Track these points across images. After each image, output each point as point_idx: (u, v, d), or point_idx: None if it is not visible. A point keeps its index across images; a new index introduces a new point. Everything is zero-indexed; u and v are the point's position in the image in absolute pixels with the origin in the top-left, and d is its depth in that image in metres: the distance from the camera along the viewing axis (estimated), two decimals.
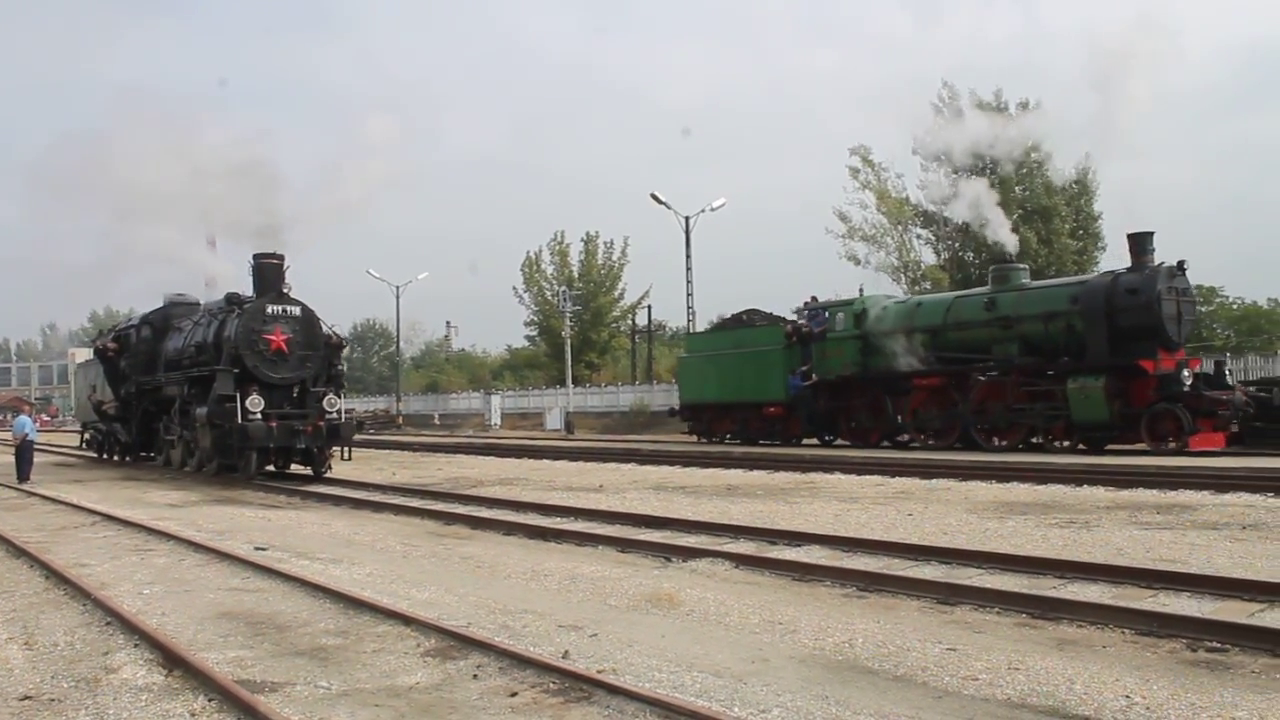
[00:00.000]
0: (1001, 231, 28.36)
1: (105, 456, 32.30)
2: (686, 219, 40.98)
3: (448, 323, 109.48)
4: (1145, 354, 21.44)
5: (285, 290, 22.31)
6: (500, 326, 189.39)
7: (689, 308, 41.83)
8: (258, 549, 11.49)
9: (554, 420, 51.10)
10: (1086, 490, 15.20)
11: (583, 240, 60.79)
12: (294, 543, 12.20)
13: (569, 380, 50.70)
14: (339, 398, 22.37)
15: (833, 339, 27.30)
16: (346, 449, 21.96)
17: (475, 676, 6.02)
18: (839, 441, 28.61)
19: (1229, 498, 13.73)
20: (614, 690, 5.53)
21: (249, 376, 21.23)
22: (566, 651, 6.49)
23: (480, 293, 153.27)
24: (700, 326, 44.11)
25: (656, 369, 60.21)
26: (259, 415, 20.63)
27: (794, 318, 31.76)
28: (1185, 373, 21.19)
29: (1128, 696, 5.39)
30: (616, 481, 19.70)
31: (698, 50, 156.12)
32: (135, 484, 21.83)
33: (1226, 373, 23.04)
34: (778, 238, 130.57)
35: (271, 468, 22.35)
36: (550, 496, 16.72)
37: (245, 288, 23.09)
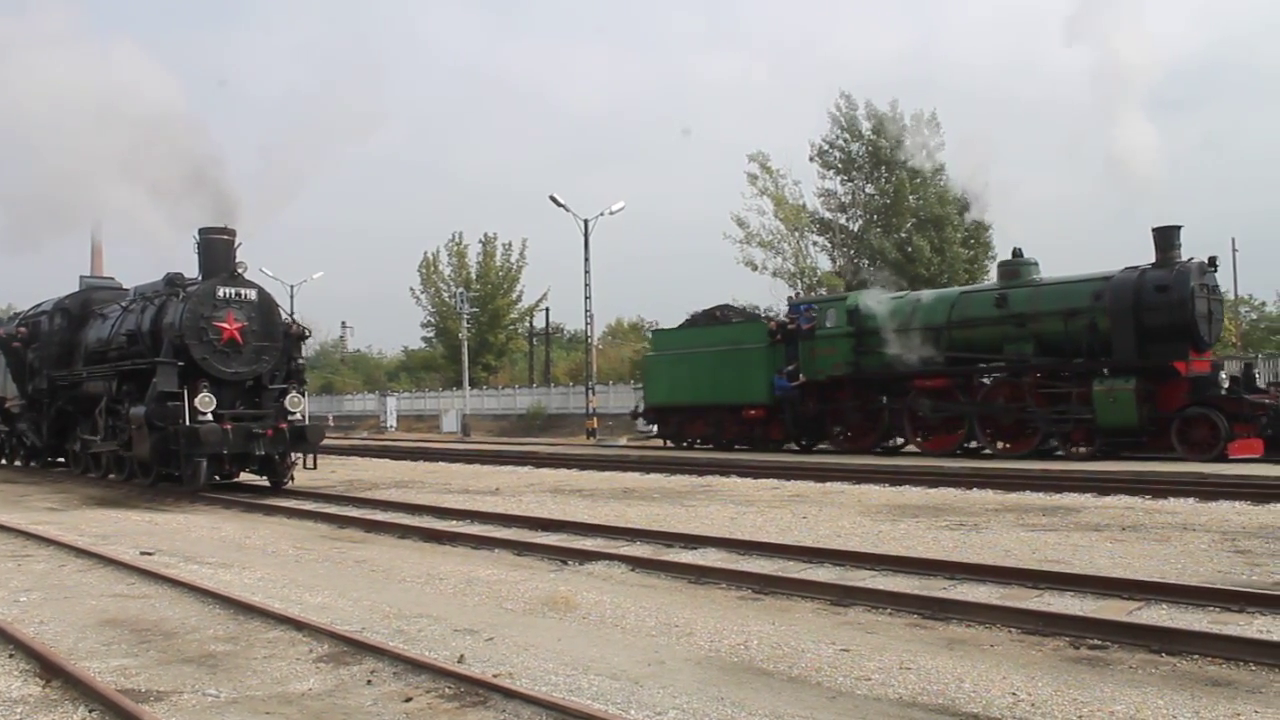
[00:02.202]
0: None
1: (2, 462, 28.48)
2: (585, 222, 40.97)
3: (343, 323, 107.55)
4: (1176, 355, 20.21)
5: (239, 270, 18.90)
6: (396, 328, 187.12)
7: (587, 310, 41.84)
8: (144, 554, 11.18)
9: (450, 423, 50.71)
10: (976, 493, 15.55)
11: (481, 242, 60.57)
12: (182, 547, 11.90)
13: (466, 382, 50.34)
14: (302, 396, 19.31)
15: (823, 336, 25.35)
16: (312, 456, 19.02)
17: (369, 682, 5.93)
18: (821, 446, 26.79)
19: (1110, 500, 14.18)
20: (510, 694, 5.49)
21: (196, 371, 17.99)
22: (462, 656, 6.43)
23: (376, 293, 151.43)
24: (598, 330, 44.09)
25: (554, 372, 60.16)
26: (209, 416, 17.55)
27: (762, 314, 30.50)
28: (1222, 375, 20.19)
29: (1014, 693, 5.52)
30: (513, 484, 19.61)
31: (599, 54, 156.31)
32: (13, 486, 21.06)
33: (1255, 375, 21.95)
34: (676, 242, 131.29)
35: (217, 477, 18.99)
36: (446, 499, 16.58)
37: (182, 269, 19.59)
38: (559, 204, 40.48)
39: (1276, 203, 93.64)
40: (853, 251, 47.79)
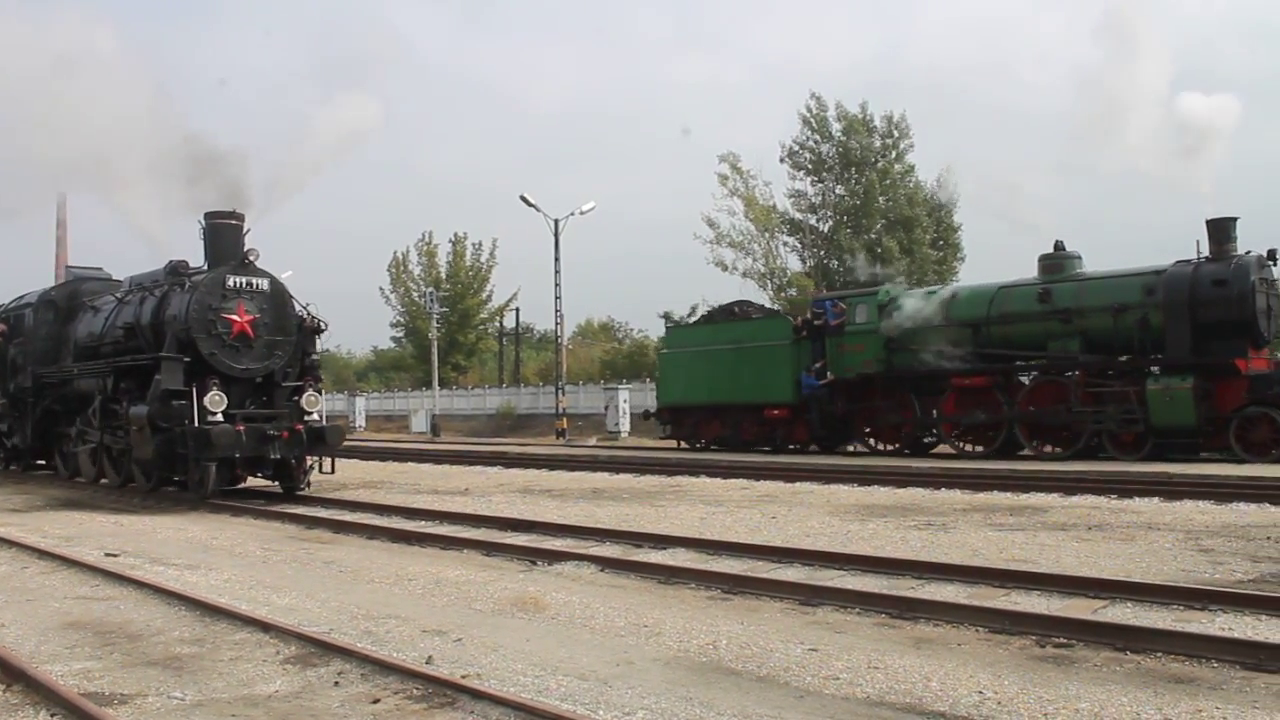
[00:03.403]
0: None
1: None
2: (556, 222, 40.93)
3: None
4: (1235, 352, 19.36)
5: (250, 258, 17.39)
6: (366, 327, 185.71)
7: (557, 310, 41.79)
8: (108, 555, 11.08)
9: (420, 423, 50.53)
10: (944, 493, 15.63)
11: (451, 241, 60.42)
12: (148, 548, 11.80)
13: (435, 382, 50.16)
14: (319, 395, 17.96)
15: (852, 333, 24.04)
16: (330, 460, 17.61)
17: (336, 684, 5.90)
18: (846, 448, 25.73)
19: (1077, 500, 14.29)
20: (478, 695, 5.48)
21: (204, 367, 16.57)
22: (430, 657, 6.41)
23: (345, 292, 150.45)
24: (568, 331, 44.04)
25: (524, 372, 60.09)
26: (220, 416, 16.19)
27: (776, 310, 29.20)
28: None
29: (981, 692, 5.56)
30: (483, 485, 19.56)
31: (568, 54, 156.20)
32: None
33: None
34: (647, 242, 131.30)
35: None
36: (415, 500, 16.52)
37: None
38: (529, 204, 40.42)
39: None
40: (823, 252, 48.01)
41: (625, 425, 40.22)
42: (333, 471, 17.50)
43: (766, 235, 47.83)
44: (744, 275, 47.69)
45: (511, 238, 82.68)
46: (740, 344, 26.63)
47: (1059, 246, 22.13)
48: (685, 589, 8.75)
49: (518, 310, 62.94)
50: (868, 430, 24.69)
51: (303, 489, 17.23)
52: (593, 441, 37.06)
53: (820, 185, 48.18)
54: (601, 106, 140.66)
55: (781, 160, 48.52)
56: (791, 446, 25.80)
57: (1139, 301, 20.28)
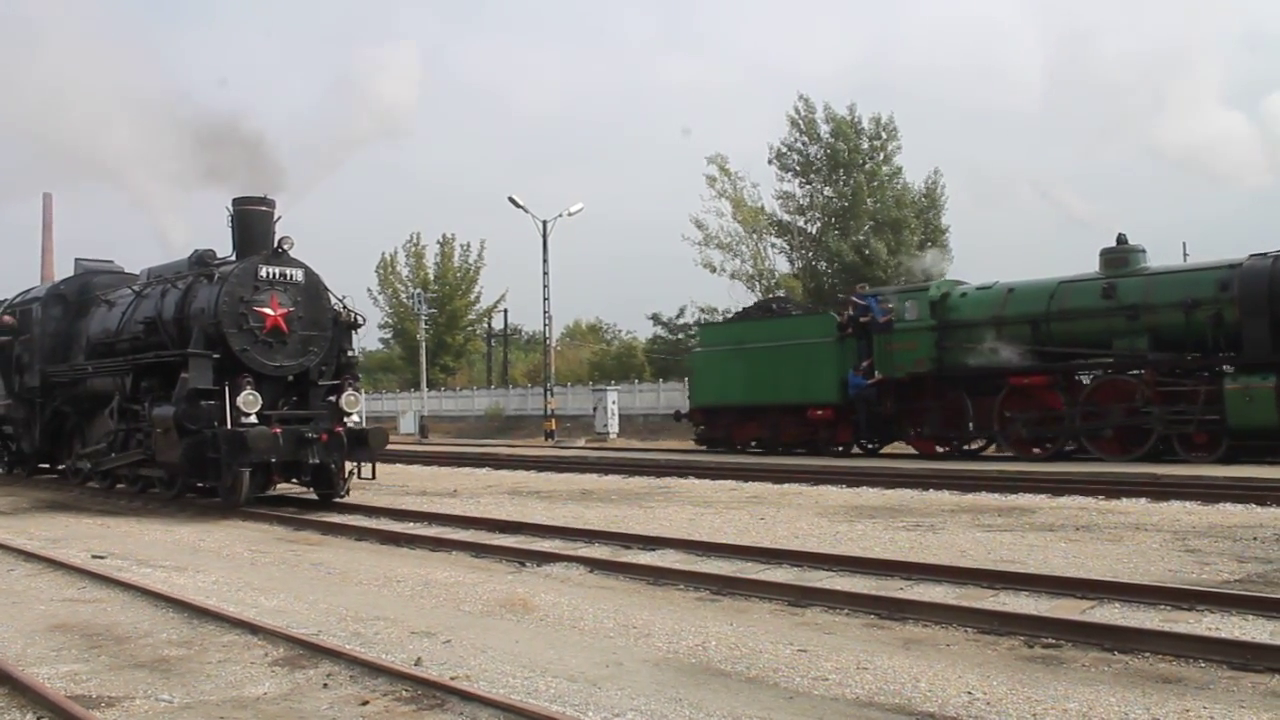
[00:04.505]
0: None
1: None
2: (544, 223, 40.90)
3: None
4: None
5: (283, 247, 16.17)
6: None
7: (545, 312, 41.80)
8: (95, 557, 11.04)
9: (408, 424, 50.42)
10: (932, 494, 15.66)
11: (439, 242, 60.38)
12: (135, 550, 11.76)
13: (424, 384, 50.11)
14: (359, 395, 16.90)
15: (901, 330, 22.82)
16: (370, 464, 16.38)
17: (325, 685, 5.89)
18: (889, 450, 24.49)
19: (1064, 500, 14.33)
20: (467, 697, 5.47)
21: (234, 364, 15.42)
22: (419, 659, 6.40)
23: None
24: (556, 332, 44.05)
25: (513, 373, 60.09)
26: (254, 418, 15.14)
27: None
28: None
29: (969, 692, 5.57)
30: (471, 486, 19.54)
31: (555, 56, 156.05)
32: None
33: None
34: (635, 244, 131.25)
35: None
36: (403, 501, 16.49)
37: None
38: (518, 205, 40.39)
39: None
40: (811, 254, 48.10)
41: (614, 427, 40.24)
42: (373, 477, 16.36)
43: (754, 237, 47.92)
44: (732, 277, 47.78)
45: (500, 239, 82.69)
46: (781, 342, 25.34)
47: (1121, 240, 21.12)
48: (674, 590, 8.75)
49: (506, 311, 62.92)
50: (915, 431, 23.43)
51: (342, 496, 16.17)
52: (581, 443, 37.04)
53: (808, 187, 48.27)
54: (589, 108, 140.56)
55: (769, 162, 48.63)
56: (836, 449, 24.61)
57: (1213, 297, 19.22)
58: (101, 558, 11.03)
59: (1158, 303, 19.84)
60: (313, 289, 16.49)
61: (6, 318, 21.95)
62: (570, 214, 41.67)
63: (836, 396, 23.82)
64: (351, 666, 6.19)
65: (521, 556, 10.56)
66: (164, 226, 19.20)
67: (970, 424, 22.19)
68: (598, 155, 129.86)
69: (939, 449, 23.14)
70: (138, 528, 14.06)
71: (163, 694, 5.82)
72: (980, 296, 22.44)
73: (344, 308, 17.24)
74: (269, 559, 11.02)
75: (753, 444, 26.21)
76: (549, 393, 41.94)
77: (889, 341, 23.04)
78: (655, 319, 61.88)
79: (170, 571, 10.19)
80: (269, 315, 15.75)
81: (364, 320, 17.62)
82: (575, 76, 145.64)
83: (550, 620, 7.63)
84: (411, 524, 13.55)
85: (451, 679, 5.84)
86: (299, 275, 16.23)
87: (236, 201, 16.44)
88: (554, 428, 40.21)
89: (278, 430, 15.04)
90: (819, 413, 24.29)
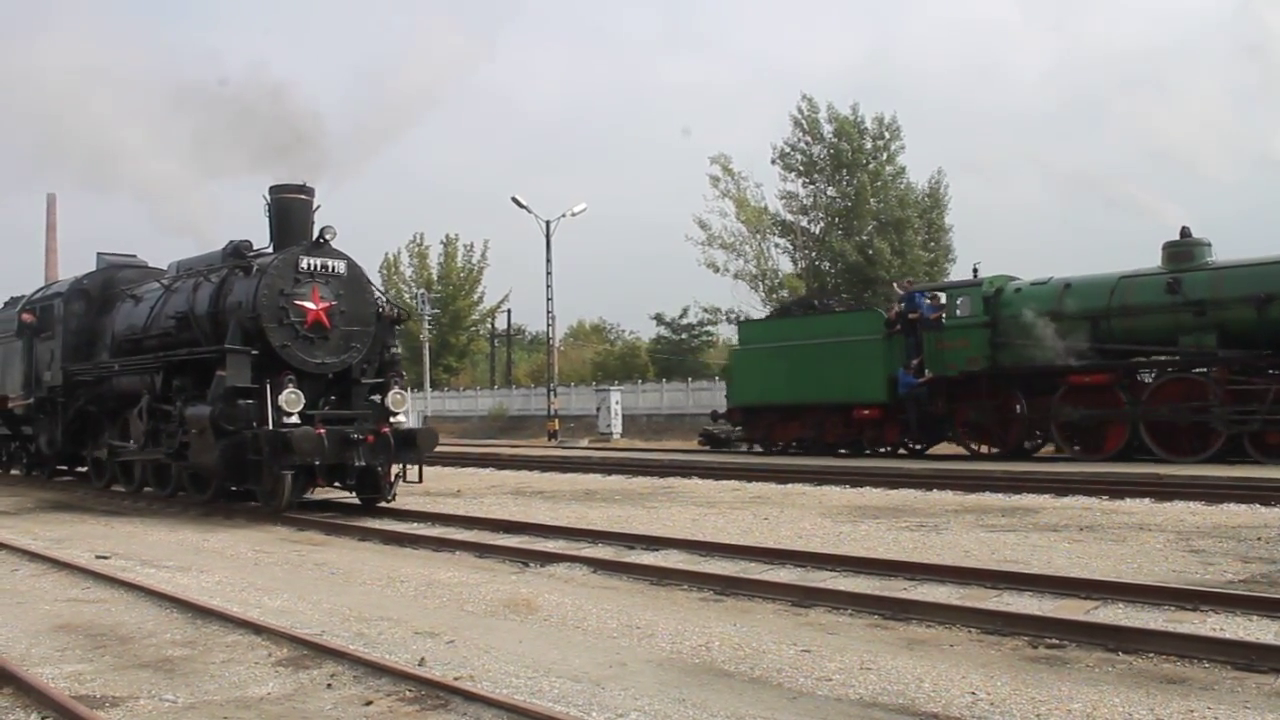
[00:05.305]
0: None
1: None
2: (547, 223, 40.94)
3: None
4: None
5: (325, 237, 15.34)
6: None
7: (549, 312, 41.84)
8: (99, 557, 11.04)
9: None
10: (936, 494, 15.64)
11: (442, 243, 60.47)
12: (139, 550, 11.76)
13: (427, 384, 50.13)
14: (405, 394, 16.03)
15: (953, 327, 22.07)
16: (419, 467, 15.52)
17: (329, 686, 5.89)
18: (935, 451, 23.77)
19: (1068, 501, 14.32)
20: (470, 697, 5.47)
21: (274, 361, 14.65)
22: (423, 659, 6.40)
23: None
24: (560, 332, 44.11)
25: (516, 373, 60.12)
26: (297, 417, 14.31)
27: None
28: None
29: (973, 693, 5.56)
30: (474, 486, 19.56)
31: (559, 56, 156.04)
32: None
33: None
34: (638, 244, 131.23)
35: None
36: (407, 501, 16.43)
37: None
38: (521, 205, 40.43)
39: None
40: (814, 254, 48.12)
41: (617, 427, 40.26)
42: (420, 480, 15.57)
43: (758, 237, 48.00)
44: (735, 277, 47.90)
45: (503, 239, 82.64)
46: (826, 339, 24.44)
47: (1185, 233, 20.31)
48: (678, 590, 8.74)
49: (509, 312, 63.00)
50: (965, 431, 22.74)
51: (389, 500, 15.29)
52: (584, 443, 37.04)
53: (811, 187, 48.34)
54: (592, 108, 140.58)
55: (773, 162, 48.73)
56: (882, 449, 24.10)
57: None
58: (106, 558, 11.04)
59: (1227, 298, 19.07)
60: (355, 281, 15.76)
61: (25, 315, 21.25)
62: (574, 214, 41.71)
63: (884, 395, 23.08)
64: (355, 667, 6.19)
65: (525, 557, 10.56)
66: (194, 218, 18.52)
67: (1025, 423, 21.59)
68: (601, 155, 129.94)
69: (991, 449, 22.45)
70: (141, 528, 14.06)
71: (167, 694, 5.83)
72: (1035, 292, 21.61)
73: (387, 301, 16.66)
74: (273, 559, 11.02)
75: (793, 445, 25.51)
76: (552, 393, 41.95)
77: (940, 339, 22.28)
78: (658, 319, 61.97)
79: (174, 571, 10.20)
80: (310, 309, 14.99)
81: (408, 316, 16.75)
82: (578, 76, 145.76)
83: (554, 620, 7.63)
84: (415, 524, 13.55)
85: (455, 679, 5.84)
86: (341, 267, 15.46)
87: (273, 189, 15.70)
88: (557, 428, 40.24)
89: (322, 431, 14.23)
90: (865, 412, 23.61)
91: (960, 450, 23.14)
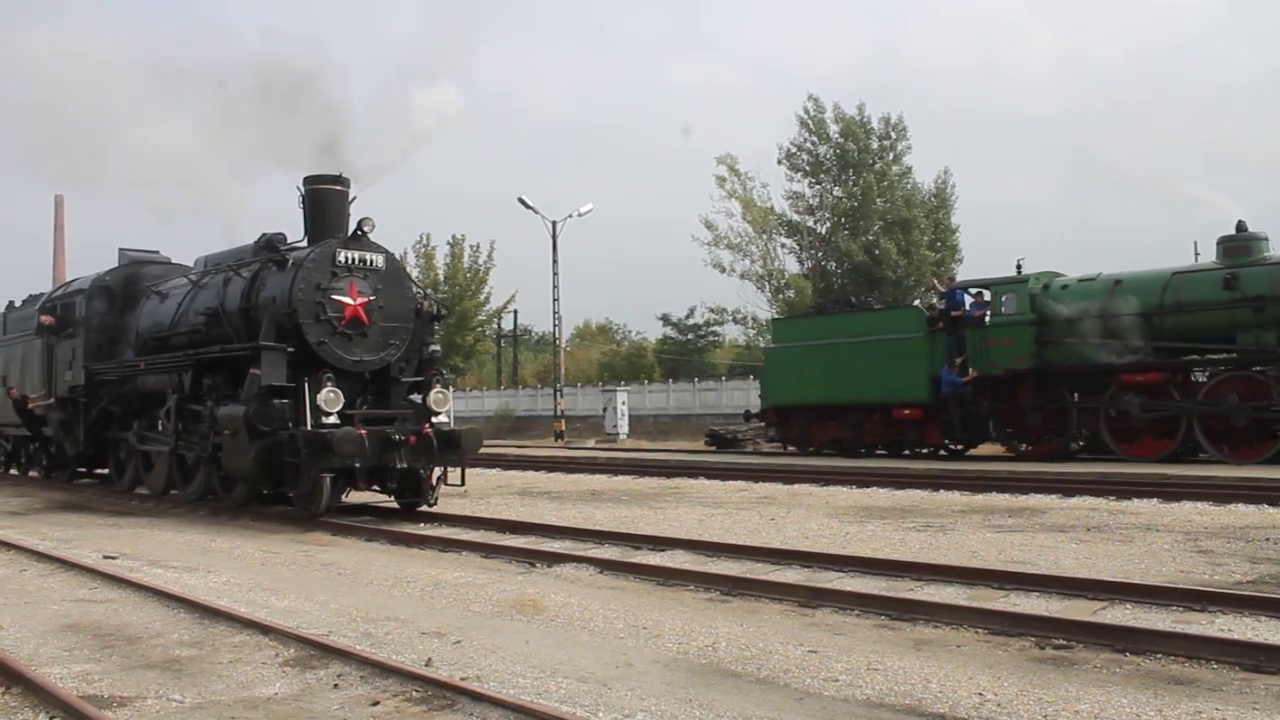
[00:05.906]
0: None
1: (12, 472, 24.16)
2: (554, 224, 40.98)
3: None
4: None
5: (363, 229, 14.75)
6: None
7: (555, 312, 41.82)
8: (107, 557, 11.06)
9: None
10: (943, 495, 15.63)
11: (448, 243, 60.45)
12: (146, 550, 11.78)
13: None
14: (448, 392, 15.28)
15: (998, 325, 21.60)
16: (460, 470, 14.84)
17: (336, 686, 5.89)
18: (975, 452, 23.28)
19: (1075, 501, 14.30)
20: (477, 697, 5.47)
21: (311, 359, 14.09)
22: (429, 659, 6.40)
23: None
24: (566, 333, 44.17)
25: (522, 374, 60.16)
26: (335, 418, 13.74)
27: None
28: None
29: (980, 694, 5.55)
30: (480, 487, 19.54)
31: (565, 57, 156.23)
32: None
33: None
34: (644, 244, 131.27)
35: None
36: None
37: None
38: (528, 206, 40.47)
39: None
40: (820, 254, 48.09)
41: (624, 427, 40.29)
42: (462, 484, 14.93)
43: (764, 237, 48.00)
44: (741, 277, 47.92)
45: (509, 240, 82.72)
46: (865, 337, 23.73)
47: (1241, 227, 19.75)
48: (684, 591, 8.74)
49: (516, 312, 63.13)
50: (1010, 431, 22.18)
51: (431, 504, 14.60)
52: (591, 443, 37.07)
53: (818, 187, 48.34)
54: (599, 109, 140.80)
55: (779, 162, 48.73)
56: (923, 450, 23.55)
57: None
58: (113, 558, 11.05)
59: None
60: (394, 276, 15.25)
61: (44, 317, 20.64)
62: (580, 214, 41.75)
63: (926, 395, 22.47)
64: (362, 667, 6.19)
65: (531, 557, 10.56)
66: (227, 212, 18.15)
67: (1074, 424, 21.11)
68: (607, 156, 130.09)
69: (1034, 449, 21.85)
70: (149, 528, 14.08)
71: (174, 694, 5.83)
72: (1083, 289, 21.01)
73: (427, 296, 16.22)
74: (280, 559, 11.03)
75: (825, 448, 24.81)
76: (559, 393, 41.97)
77: (984, 336, 21.76)
78: (665, 319, 61.98)
79: (181, 572, 10.21)
80: (348, 305, 14.40)
81: (446, 312, 16.21)
82: (585, 77, 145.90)
83: (560, 621, 7.63)
84: (421, 524, 13.56)
85: (462, 679, 5.84)
86: (380, 261, 14.88)
87: (308, 180, 15.07)
88: (563, 428, 40.27)
89: (363, 431, 13.54)
90: (906, 412, 22.97)
91: (1003, 450, 22.81)
